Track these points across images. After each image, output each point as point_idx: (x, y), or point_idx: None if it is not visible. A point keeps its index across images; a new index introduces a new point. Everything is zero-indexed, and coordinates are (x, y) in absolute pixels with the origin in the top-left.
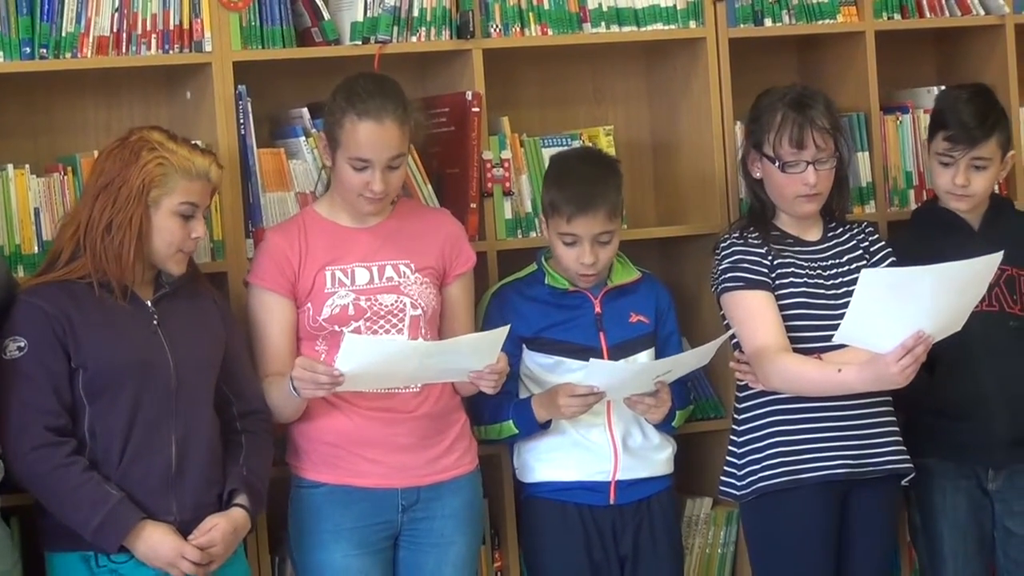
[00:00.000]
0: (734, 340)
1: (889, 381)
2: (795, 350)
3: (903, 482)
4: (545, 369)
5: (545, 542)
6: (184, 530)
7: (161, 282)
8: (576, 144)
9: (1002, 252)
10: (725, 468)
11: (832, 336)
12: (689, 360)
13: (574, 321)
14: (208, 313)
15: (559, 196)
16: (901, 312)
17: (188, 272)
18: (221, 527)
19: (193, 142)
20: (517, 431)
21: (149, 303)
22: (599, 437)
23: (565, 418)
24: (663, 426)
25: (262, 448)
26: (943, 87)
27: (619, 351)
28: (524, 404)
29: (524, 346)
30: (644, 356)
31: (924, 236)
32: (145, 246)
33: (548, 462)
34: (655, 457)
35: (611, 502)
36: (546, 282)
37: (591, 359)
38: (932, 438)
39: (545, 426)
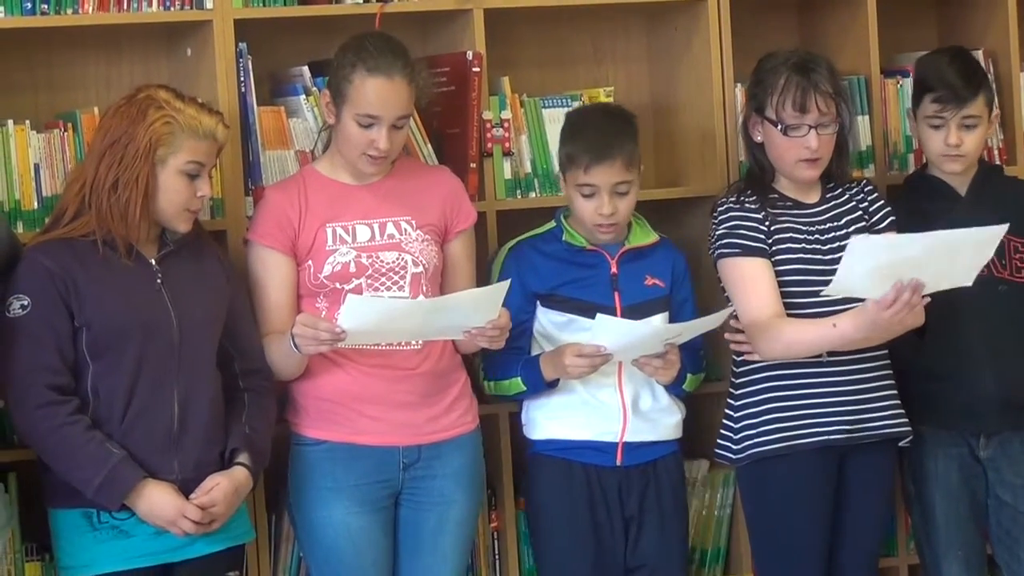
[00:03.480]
0: (731, 305)
1: (884, 326)
2: (792, 315)
3: (901, 443)
4: (558, 327)
5: (549, 500)
6: (186, 488)
7: (165, 240)
8: (576, 105)
9: (1007, 225)
10: (721, 432)
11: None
12: (699, 325)
13: (590, 279)
14: (212, 271)
15: (575, 147)
16: (890, 272)
17: (192, 230)
18: (223, 486)
19: (200, 101)
20: (524, 388)
21: (153, 261)
22: (609, 397)
23: (571, 378)
24: (673, 388)
25: (264, 406)
26: None
27: (633, 312)
28: (532, 362)
29: (538, 303)
30: (658, 320)
31: (912, 202)
32: (151, 205)
33: (556, 419)
34: (664, 421)
35: (617, 463)
36: (564, 239)
37: (598, 314)
38: (924, 405)
39: (552, 385)
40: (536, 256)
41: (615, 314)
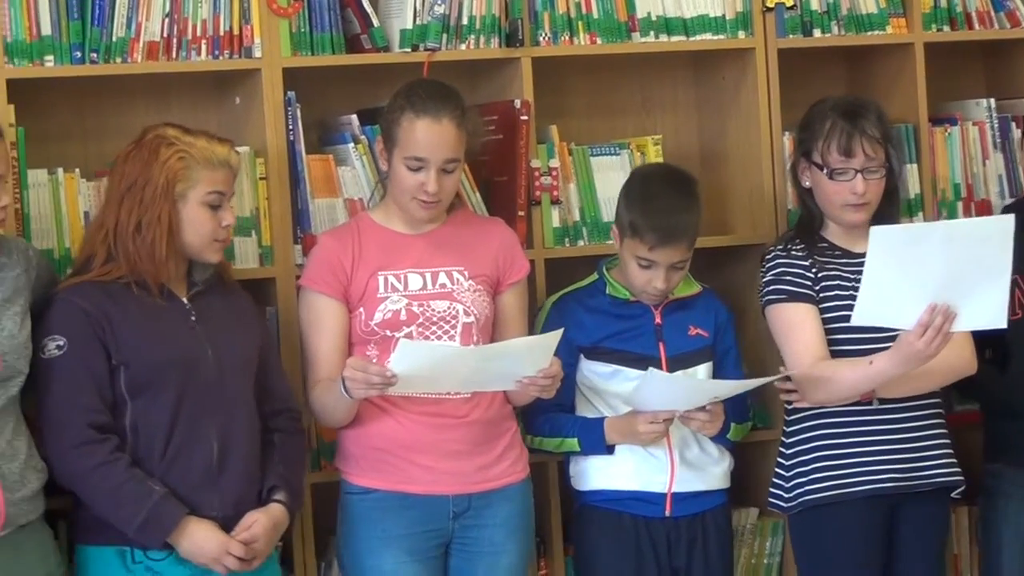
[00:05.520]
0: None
1: (918, 357)
2: None
3: (953, 494)
4: (603, 378)
5: (598, 551)
6: (225, 526)
7: (193, 281)
8: (624, 154)
9: (1013, 216)
10: (773, 480)
11: (875, 349)
12: (747, 385)
13: (634, 331)
14: (243, 310)
15: (644, 222)
16: (914, 277)
17: (216, 272)
18: (262, 522)
19: (208, 132)
20: (579, 449)
21: (185, 300)
22: (656, 448)
23: (642, 444)
24: (717, 439)
25: (295, 446)
26: (992, 99)
27: (678, 362)
28: (594, 425)
29: (582, 355)
30: (702, 369)
31: None
32: (177, 241)
33: (605, 471)
34: (712, 470)
35: (666, 514)
36: (607, 292)
37: (649, 368)
38: (1003, 442)
39: (610, 449)
40: (581, 310)
41: (660, 365)
